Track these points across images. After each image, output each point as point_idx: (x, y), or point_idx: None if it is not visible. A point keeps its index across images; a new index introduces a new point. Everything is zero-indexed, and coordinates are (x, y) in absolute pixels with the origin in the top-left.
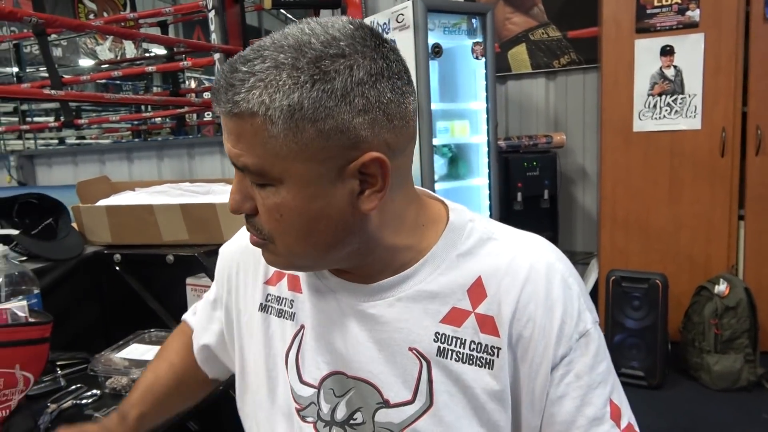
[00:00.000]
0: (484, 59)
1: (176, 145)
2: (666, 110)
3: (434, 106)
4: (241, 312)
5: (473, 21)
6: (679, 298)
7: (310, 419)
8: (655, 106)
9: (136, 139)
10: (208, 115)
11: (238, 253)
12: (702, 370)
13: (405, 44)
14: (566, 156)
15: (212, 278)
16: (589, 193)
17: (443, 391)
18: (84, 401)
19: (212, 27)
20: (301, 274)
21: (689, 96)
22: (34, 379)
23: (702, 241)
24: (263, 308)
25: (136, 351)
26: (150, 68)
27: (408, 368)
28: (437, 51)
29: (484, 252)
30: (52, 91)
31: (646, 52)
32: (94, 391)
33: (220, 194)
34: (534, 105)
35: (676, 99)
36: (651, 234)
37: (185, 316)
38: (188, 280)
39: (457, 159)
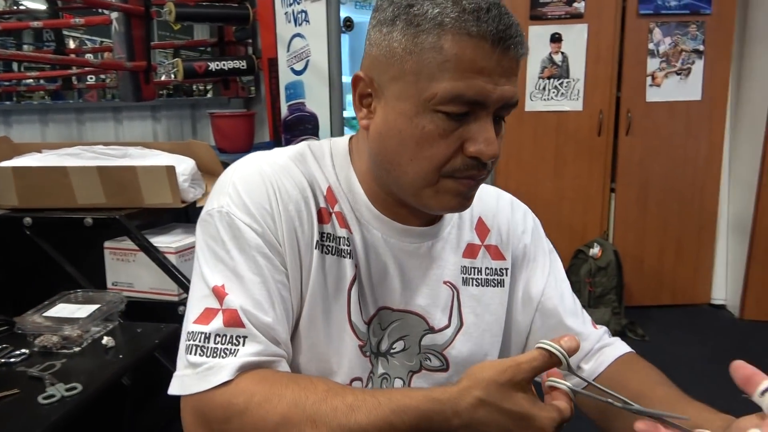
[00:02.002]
0: None
1: (62, 109)
2: (553, 92)
3: (345, 78)
4: (300, 253)
5: None
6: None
7: (368, 353)
8: (544, 88)
9: (7, 102)
10: (92, 78)
11: (298, 193)
12: None
13: (317, 16)
14: None
15: (137, 241)
16: None
17: (469, 313)
18: (13, 360)
19: None
20: (348, 213)
21: (573, 80)
22: None
23: (580, 211)
24: (319, 246)
25: (65, 310)
26: (36, 23)
27: (445, 298)
28: (349, 25)
29: (476, 197)
30: None
31: (538, 38)
32: (23, 350)
33: (138, 158)
34: None
35: (562, 83)
36: (538, 205)
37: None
38: (107, 244)
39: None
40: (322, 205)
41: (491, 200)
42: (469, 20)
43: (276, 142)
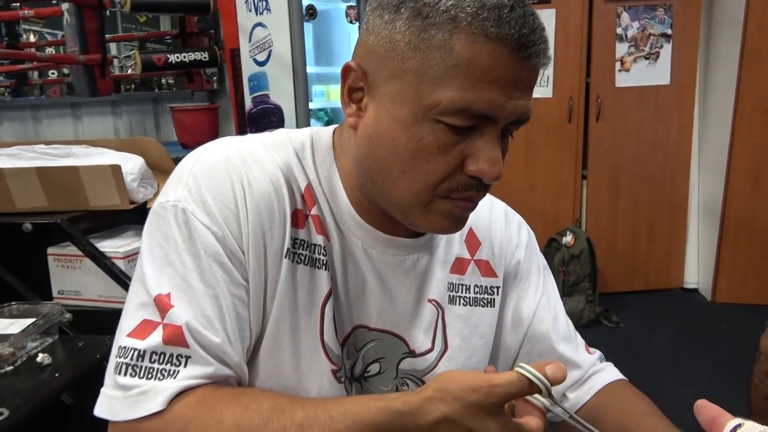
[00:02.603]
0: (357, 23)
1: (17, 106)
2: None
3: (310, 69)
4: (266, 263)
5: None
6: None
7: (342, 379)
8: None
9: None
10: (53, 73)
11: (271, 189)
12: None
13: (279, 5)
14: None
15: (81, 246)
16: None
17: (455, 335)
18: None
19: None
20: (327, 218)
21: None
22: None
23: (552, 199)
24: (290, 255)
25: None
26: None
27: (429, 319)
28: (311, 13)
29: None
30: None
31: None
32: None
33: (83, 157)
34: None
35: None
36: (510, 193)
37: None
38: (50, 250)
39: (333, 123)
40: (299, 206)
41: (484, 209)
42: (489, 19)
43: (241, 135)
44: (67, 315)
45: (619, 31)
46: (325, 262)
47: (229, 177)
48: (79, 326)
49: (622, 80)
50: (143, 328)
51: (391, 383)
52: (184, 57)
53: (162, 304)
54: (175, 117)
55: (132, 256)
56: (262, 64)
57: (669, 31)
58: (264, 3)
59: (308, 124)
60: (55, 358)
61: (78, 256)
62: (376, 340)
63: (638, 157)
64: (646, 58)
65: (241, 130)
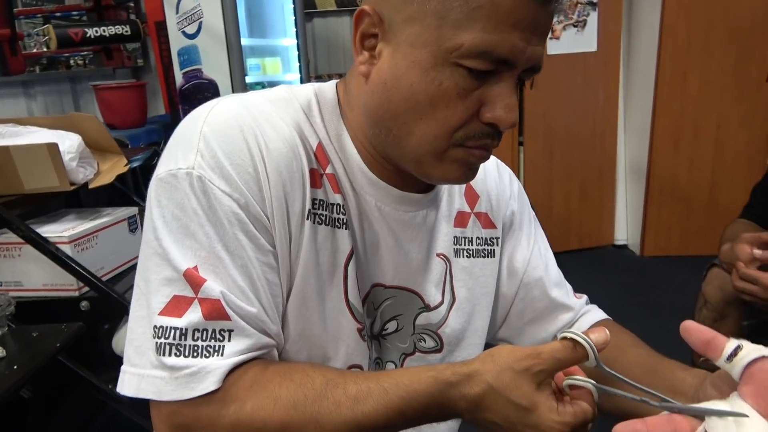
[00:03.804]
0: None
1: None
2: None
3: (244, 41)
4: (290, 226)
5: None
6: None
7: (366, 337)
8: None
9: None
10: None
11: (288, 149)
12: None
13: None
14: None
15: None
16: None
17: (461, 287)
18: None
19: None
20: (341, 176)
21: None
22: None
23: None
24: (311, 216)
25: None
26: None
27: (438, 272)
28: None
29: None
30: None
31: None
32: None
33: (12, 136)
34: (341, 43)
35: None
36: None
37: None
38: None
39: None
40: (314, 165)
41: None
42: None
43: (173, 114)
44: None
45: None
46: (344, 221)
47: (245, 139)
48: (23, 319)
49: (553, 48)
50: (176, 305)
51: (408, 339)
52: (104, 31)
53: (193, 279)
54: (99, 96)
55: (78, 240)
56: (192, 36)
57: (595, 0)
58: None
59: None
60: (8, 351)
61: (16, 243)
62: (392, 297)
63: (570, 122)
64: (575, 26)
65: (172, 108)
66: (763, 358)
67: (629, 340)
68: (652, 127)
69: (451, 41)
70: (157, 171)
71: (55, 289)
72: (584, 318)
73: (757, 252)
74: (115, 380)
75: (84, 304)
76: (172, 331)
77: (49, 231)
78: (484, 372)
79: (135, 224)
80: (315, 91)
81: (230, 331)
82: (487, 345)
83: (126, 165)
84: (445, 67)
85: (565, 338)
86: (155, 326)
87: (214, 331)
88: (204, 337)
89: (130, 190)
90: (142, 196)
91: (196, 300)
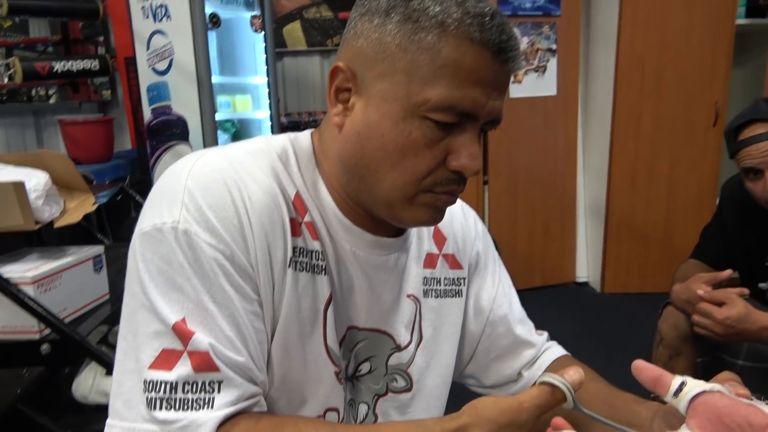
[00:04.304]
0: (263, 33)
1: None
2: None
3: (215, 79)
4: (273, 274)
5: None
6: None
7: (342, 380)
8: None
9: None
10: None
11: (269, 199)
12: None
13: (179, 12)
14: None
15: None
16: None
17: (428, 326)
18: None
19: None
20: (319, 223)
21: None
22: None
23: None
24: (293, 263)
25: None
26: None
27: (409, 313)
28: (215, 21)
29: None
30: None
31: None
32: None
33: None
34: (311, 82)
35: None
36: None
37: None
38: None
39: (241, 134)
40: (292, 214)
41: None
42: (473, 25)
43: (140, 149)
44: None
45: None
46: (323, 267)
47: (229, 191)
48: None
49: (515, 91)
50: (166, 359)
51: (381, 380)
52: (71, 65)
53: (181, 332)
54: (64, 130)
55: (41, 281)
56: (162, 73)
57: (554, 46)
58: (163, 9)
59: (215, 136)
60: None
61: None
62: (365, 339)
63: (532, 162)
64: (535, 71)
65: (140, 143)
66: (704, 392)
67: (588, 374)
68: (609, 167)
69: (419, 96)
70: (140, 225)
71: (14, 331)
72: (546, 354)
73: (700, 292)
74: (74, 427)
75: (45, 347)
76: (163, 384)
77: (11, 271)
78: (472, 426)
79: (100, 264)
80: (291, 141)
81: (219, 382)
82: (454, 383)
83: (94, 203)
84: (413, 119)
85: (543, 383)
86: (146, 380)
87: (203, 383)
88: (194, 390)
89: (94, 227)
90: (106, 234)
91: (185, 353)
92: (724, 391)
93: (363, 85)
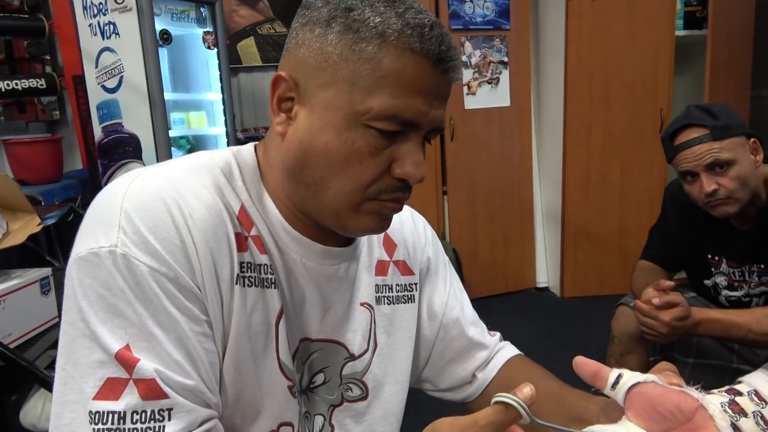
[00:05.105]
0: (216, 49)
1: None
2: None
3: (168, 96)
4: (221, 292)
5: (201, 9)
6: None
7: (296, 393)
8: None
9: None
10: None
11: (212, 216)
12: None
13: (128, 29)
14: None
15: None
16: None
17: (381, 333)
18: None
19: None
20: (266, 237)
21: None
22: None
23: None
24: (240, 280)
25: None
26: None
27: (364, 321)
28: (166, 38)
29: None
30: None
31: None
32: None
33: None
34: (267, 97)
35: None
36: None
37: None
38: None
39: (196, 150)
40: (238, 229)
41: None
42: (413, 36)
43: (91, 168)
44: None
45: (464, 58)
46: (273, 280)
47: (168, 211)
48: None
49: (470, 103)
50: (111, 388)
51: (336, 390)
52: (16, 84)
53: (125, 360)
54: (9, 151)
55: None
56: (112, 91)
57: (506, 59)
58: (111, 27)
59: (169, 153)
60: None
61: None
62: (318, 350)
63: (489, 172)
64: (489, 83)
65: (91, 162)
66: (639, 383)
67: (539, 373)
68: (563, 176)
69: (362, 105)
70: (76, 249)
71: None
72: (499, 355)
73: (655, 301)
74: None
75: None
76: (110, 415)
77: None
78: None
79: (48, 286)
80: (234, 154)
81: (169, 409)
82: (411, 389)
83: (39, 224)
84: (357, 128)
85: (497, 402)
86: (91, 411)
87: (153, 411)
88: (143, 419)
89: (43, 249)
90: (57, 256)
91: (131, 381)
92: (657, 381)
93: (306, 95)
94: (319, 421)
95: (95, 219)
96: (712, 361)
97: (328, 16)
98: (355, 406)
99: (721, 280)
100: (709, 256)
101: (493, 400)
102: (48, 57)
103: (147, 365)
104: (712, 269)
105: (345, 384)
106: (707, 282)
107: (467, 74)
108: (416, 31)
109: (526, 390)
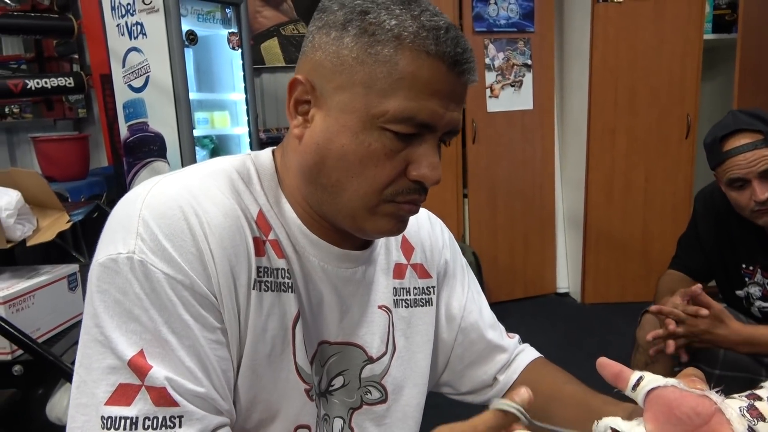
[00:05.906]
0: (240, 50)
1: None
2: None
3: (192, 95)
4: (237, 299)
5: (227, 11)
6: None
7: (314, 397)
8: None
9: None
10: None
11: (230, 222)
12: None
13: (155, 29)
14: None
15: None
16: None
17: (400, 336)
18: None
19: None
20: (284, 241)
21: None
22: None
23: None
24: (257, 285)
25: None
26: None
27: (382, 324)
28: (192, 38)
29: None
30: None
31: None
32: None
33: None
34: None
35: None
36: None
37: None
38: None
39: (219, 150)
40: (256, 234)
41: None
42: (428, 38)
43: (116, 166)
44: None
45: (487, 61)
46: (290, 284)
47: (185, 218)
48: None
49: (493, 106)
50: (124, 394)
51: (355, 393)
52: (45, 83)
53: (138, 366)
54: (38, 148)
55: (13, 301)
56: (138, 90)
57: (529, 62)
58: (138, 27)
59: (193, 153)
60: None
61: None
62: (337, 353)
63: (510, 175)
64: (512, 86)
65: (116, 160)
66: (659, 387)
67: (563, 377)
68: (586, 180)
69: (378, 108)
70: (96, 256)
71: None
72: (520, 357)
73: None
74: None
75: (17, 368)
76: (122, 420)
77: None
78: None
79: (75, 282)
80: (252, 159)
81: (180, 417)
82: (430, 393)
83: (68, 222)
84: (372, 130)
85: (497, 408)
86: (103, 416)
87: (164, 418)
88: (155, 425)
89: (69, 245)
90: (82, 252)
91: (143, 387)
92: (677, 385)
93: (322, 97)
94: (338, 424)
95: (115, 226)
96: (740, 374)
97: (344, 19)
98: (375, 409)
99: (754, 290)
100: (744, 266)
101: (492, 406)
102: (76, 56)
103: (158, 373)
104: (746, 279)
105: (364, 387)
106: (739, 292)
107: (490, 77)
108: (432, 34)
109: (524, 393)
